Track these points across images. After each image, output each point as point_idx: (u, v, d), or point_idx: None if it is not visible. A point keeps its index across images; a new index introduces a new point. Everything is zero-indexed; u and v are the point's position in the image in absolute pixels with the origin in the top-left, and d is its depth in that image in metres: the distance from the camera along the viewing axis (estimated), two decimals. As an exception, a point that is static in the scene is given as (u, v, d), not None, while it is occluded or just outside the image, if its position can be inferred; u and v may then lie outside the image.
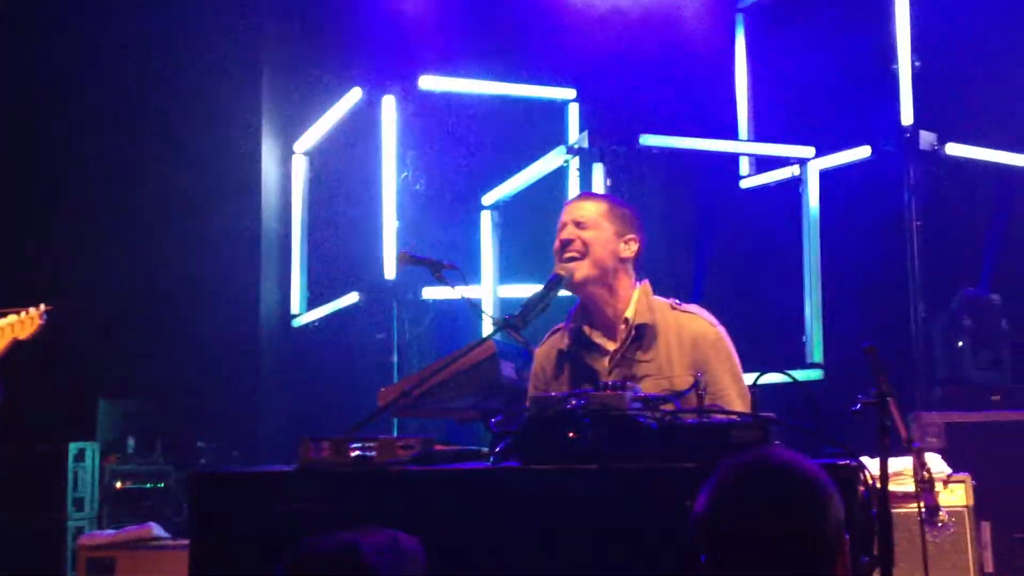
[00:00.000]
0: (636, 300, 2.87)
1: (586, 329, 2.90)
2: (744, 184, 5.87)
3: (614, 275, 2.88)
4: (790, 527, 1.61)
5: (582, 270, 2.86)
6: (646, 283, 2.92)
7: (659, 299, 2.91)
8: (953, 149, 5.34)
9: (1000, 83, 5.55)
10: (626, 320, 2.85)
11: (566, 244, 2.88)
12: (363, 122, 5.74)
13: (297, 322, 6.01)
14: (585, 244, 2.87)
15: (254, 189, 6.14)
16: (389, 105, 5.62)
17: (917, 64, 5.42)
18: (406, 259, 3.95)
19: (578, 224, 2.90)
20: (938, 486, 3.27)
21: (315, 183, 6.14)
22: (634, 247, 2.91)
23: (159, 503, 5.16)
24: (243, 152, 6.08)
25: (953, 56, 5.45)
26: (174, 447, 5.47)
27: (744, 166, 5.91)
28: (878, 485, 2.25)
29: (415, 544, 1.69)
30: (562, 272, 2.87)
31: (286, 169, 6.17)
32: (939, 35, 5.40)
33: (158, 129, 6.03)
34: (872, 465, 2.53)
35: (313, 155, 6.16)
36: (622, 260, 2.90)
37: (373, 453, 2.39)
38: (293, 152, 6.19)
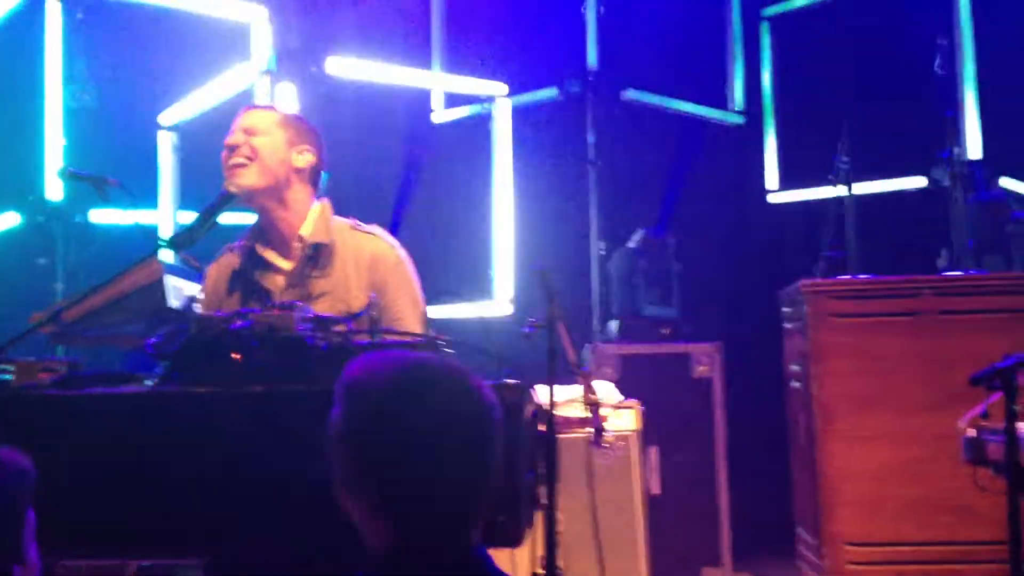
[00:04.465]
0: (314, 218, 2.74)
1: (259, 247, 2.74)
2: (435, 118, 5.85)
3: (286, 186, 2.73)
4: (465, 435, 1.40)
5: (249, 176, 2.69)
6: (326, 201, 2.79)
7: (339, 219, 2.79)
8: (631, 95, 5.56)
9: (682, 34, 5.83)
10: (301, 238, 2.72)
11: (232, 149, 2.70)
12: (24, 27, 5.18)
13: (-56, 246, 5.39)
14: (253, 150, 2.70)
15: None
16: (54, 9, 5.10)
17: (602, 10, 5.59)
18: (64, 175, 3.63)
19: (247, 131, 2.72)
20: (608, 411, 3.40)
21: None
22: (309, 158, 2.77)
23: None
24: None
25: (638, 4, 5.66)
26: None
27: (437, 99, 5.88)
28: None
29: (21, 464, 1.48)
30: (232, 188, 2.68)
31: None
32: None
33: None
34: (546, 391, 2.56)
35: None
36: (297, 171, 2.75)
37: (10, 377, 2.18)
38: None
